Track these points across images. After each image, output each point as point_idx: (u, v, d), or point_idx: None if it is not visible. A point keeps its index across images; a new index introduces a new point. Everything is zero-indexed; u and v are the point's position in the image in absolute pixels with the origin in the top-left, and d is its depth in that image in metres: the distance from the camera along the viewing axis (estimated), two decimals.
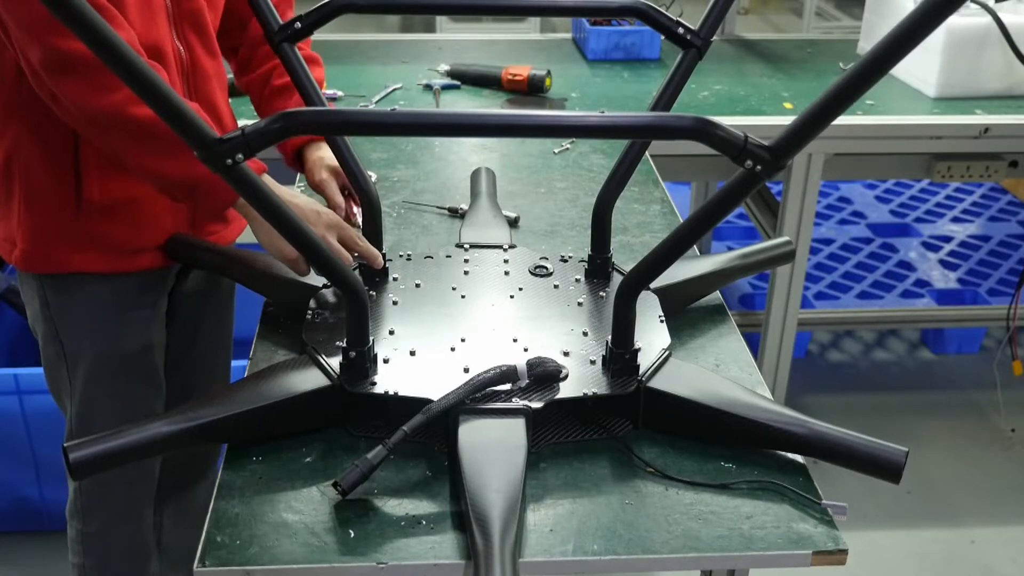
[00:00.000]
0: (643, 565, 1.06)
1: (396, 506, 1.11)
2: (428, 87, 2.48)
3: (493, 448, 1.11)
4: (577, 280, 1.45)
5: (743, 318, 2.85)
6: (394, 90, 2.44)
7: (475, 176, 1.79)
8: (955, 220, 3.60)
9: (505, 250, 1.53)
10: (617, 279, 1.45)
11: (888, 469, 1.13)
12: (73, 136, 1.38)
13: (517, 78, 2.43)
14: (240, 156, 0.98)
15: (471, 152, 2.05)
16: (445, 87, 2.48)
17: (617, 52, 2.71)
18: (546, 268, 1.48)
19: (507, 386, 1.19)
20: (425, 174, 1.92)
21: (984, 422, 2.93)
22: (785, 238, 1.58)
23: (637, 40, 2.70)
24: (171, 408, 1.55)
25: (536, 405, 1.17)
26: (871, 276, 3.18)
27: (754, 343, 2.62)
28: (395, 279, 1.44)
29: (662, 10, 1.33)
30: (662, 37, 2.70)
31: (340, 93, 2.37)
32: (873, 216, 3.57)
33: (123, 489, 1.63)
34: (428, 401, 1.16)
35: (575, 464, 1.18)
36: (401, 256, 1.49)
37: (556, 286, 1.44)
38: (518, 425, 1.15)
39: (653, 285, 1.33)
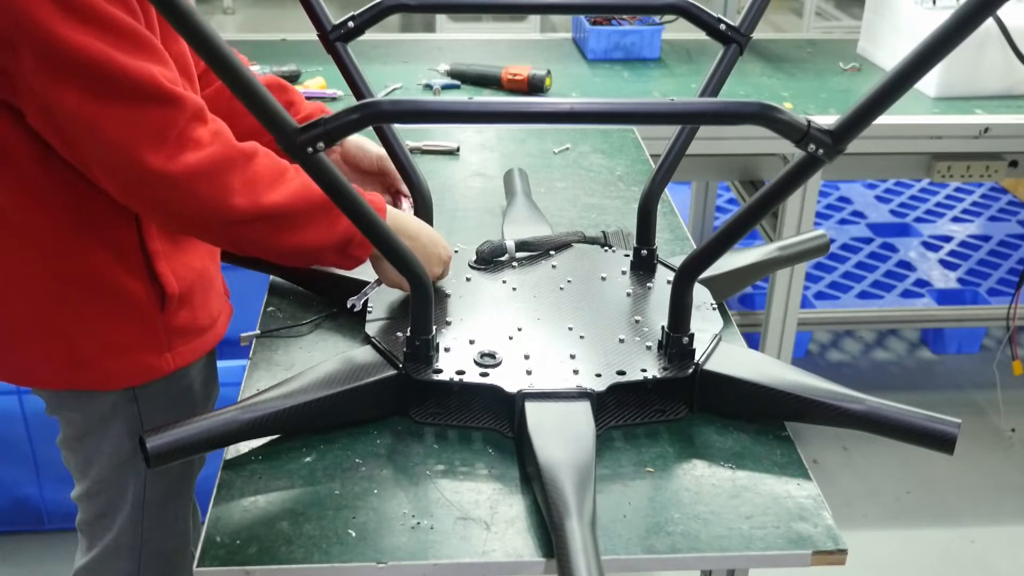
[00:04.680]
0: (643, 565, 1.06)
1: (396, 506, 1.11)
2: (428, 87, 2.48)
3: (562, 429, 1.15)
4: (623, 272, 1.49)
5: (743, 318, 2.85)
6: (394, 89, 2.44)
7: (509, 176, 1.83)
8: (955, 220, 3.59)
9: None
10: (662, 271, 1.50)
11: (942, 441, 1.16)
12: (137, 234, 1.29)
13: (517, 78, 2.43)
14: (320, 145, 1.01)
15: (471, 152, 2.05)
16: (445, 87, 2.48)
17: (617, 52, 2.71)
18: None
19: (567, 371, 1.25)
20: (427, 173, 1.91)
21: (984, 422, 2.93)
22: (820, 231, 1.63)
23: (637, 40, 2.70)
24: None
25: (599, 389, 1.21)
26: (871, 276, 3.18)
27: (754, 343, 2.62)
28: None
29: (704, 7, 1.38)
30: (661, 37, 2.73)
31: (340, 93, 2.37)
32: (873, 216, 3.57)
33: (182, 555, 1.56)
34: (493, 388, 1.21)
35: None
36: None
37: (603, 278, 1.47)
38: (584, 408, 1.19)
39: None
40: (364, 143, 1.60)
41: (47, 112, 1.15)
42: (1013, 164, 2.48)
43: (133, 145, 1.15)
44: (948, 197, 3.74)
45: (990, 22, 2.35)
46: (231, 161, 1.21)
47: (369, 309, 1.37)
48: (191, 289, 1.36)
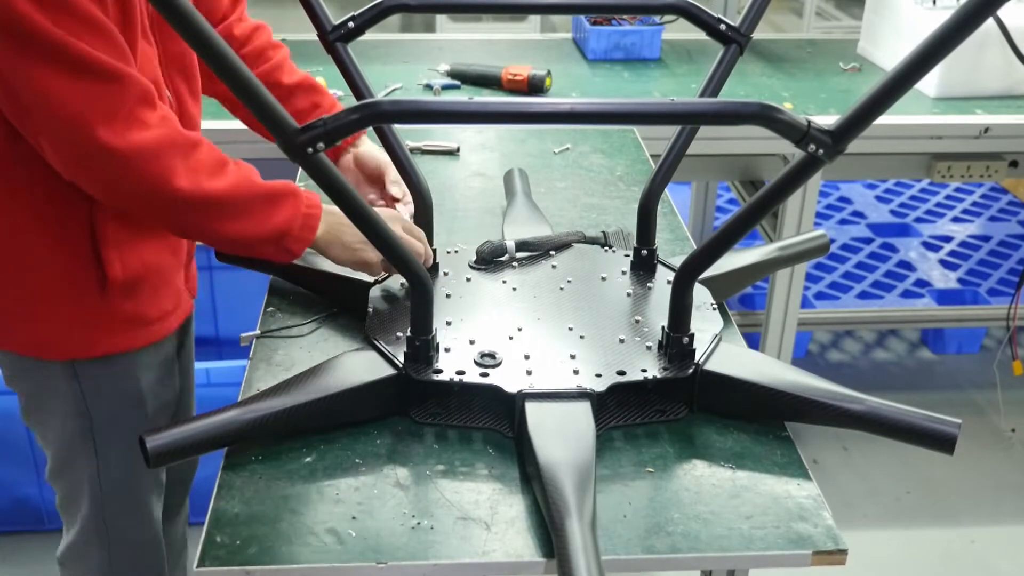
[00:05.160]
0: (643, 565, 1.06)
1: (396, 506, 1.11)
2: (428, 87, 2.48)
3: (563, 429, 1.15)
4: (623, 272, 1.49)
5: (743, 318, 2.85)
6: (394, 90, 2.44)
7: (509, 176, 1.83)
8: (955, 220, 3.59)
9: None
10: (662, 271, 1.50)
11: (942, 441, 1.16)
12: (88, 216, 1.33)
13: (517, 78, 2.43)
14: (320, 145, 1.02)
15: (471, 152, 2.05)
16: (445, 87, 2.48)
17: (617, 52, 2.71)
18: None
19: (567, 371, 1.25)
20: (427, 173, 1.91)
21: (984, 422, 2.93)
22: (820, 231, 1.63)
23: (637, 40, 2.70)
24: None
25: (599, 389, 1.21)
26: (871, 276, 3.18)
27: (754, 343, 2.62)
28: (446, 273, 1.47)
29: (704, 7, 1.38)
30: (661, 37, 2.73)
31: (340, 93, 2.37)
32: (873, 216, 3.57)
33: (152, 547, 1.58)
34: (493, 388, 1.21)
35: None
36: (449, 252, 1.52)
37: (603, 278, 1.47)
38: (584, 408, 1.19)
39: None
40: (373, 149, 1.63)
41: (3, 79, 1.19)
42: (1013, 164, 2.48)
43: (84, 119, 1.19)
44: (948, 197, 3.74)
45: (990, 22, 2.35)
46: (176, 145, 1.25)
47: (369, 309, 1.37)
48: (140, 280, 1.39)
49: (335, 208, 1.41)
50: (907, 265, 3.26)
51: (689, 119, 1.24)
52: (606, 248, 1.57)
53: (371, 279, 1.42)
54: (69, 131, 1.20)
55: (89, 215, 1.33)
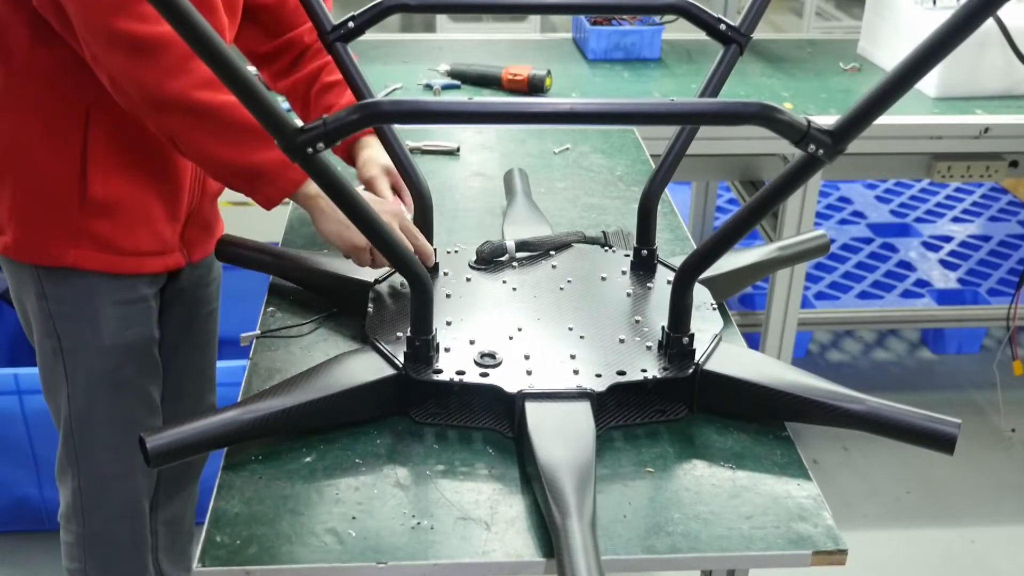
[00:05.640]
0: (643, 565, 1.06)
1: (396, 506, 1.11)
2: (428, 87, 2.48)
3: (562, 429, 1.15)
4: (623, 272, 1.49)
5: (743, 318, 2.85)
6: (394, 90, 2.44)
7: (509, 176, 1.83)
8: (955, 220, 3.59)
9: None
10: (662, 271, 1.50)
11: (942, 441, 1.16)
12: (83, 131, 1.40)
13: (517, 78, 2.43)
14: (320, 145, 1.01)
15: (471, 152, 2.05)
16: (445, 87, 2.48)
17: (617, 52, 2.71)
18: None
19: (567, 371, 1.25)
20: (427, 173, 1.92)
21: (984, 422, 2.93)
22: (820, 231, 1.63)
23: (637, 40, 2.70)
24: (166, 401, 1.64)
25: (599, 389, 1.21)
26: (871, 276, 3.18)
27: (754, 343, 2.62)
28: (446, 273, 1.47)
29: (704, 7, 1.38)
30: (661, 37, 2.73)
31: None
32: (873, 216, 3.57)
33: (125, 484, 1.62)
34: (493, 388, 1.21)
35: None
36: (449, 252, 1.52)
37: (603, 278, 1.47)
38: (584, 408, 1.19)
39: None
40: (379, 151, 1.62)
41: None
42: (1013, 164, 2.48)
43: (97, 9, 1.27)
44: (948, 197, 3.74)
45: (990, 22, 2.35)
46: (177, 45, 1.29)
47: (369, 309, 1.37)
48: (118, 206, 1.45)
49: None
50: (907, 265, 3.26)
51: (689, 119, 1.24)
52: (606, 248, 1.57)
53: (371, 279, 1.42)
54: (85, 21, 1.28)
55: (85, 133, 1.40)
